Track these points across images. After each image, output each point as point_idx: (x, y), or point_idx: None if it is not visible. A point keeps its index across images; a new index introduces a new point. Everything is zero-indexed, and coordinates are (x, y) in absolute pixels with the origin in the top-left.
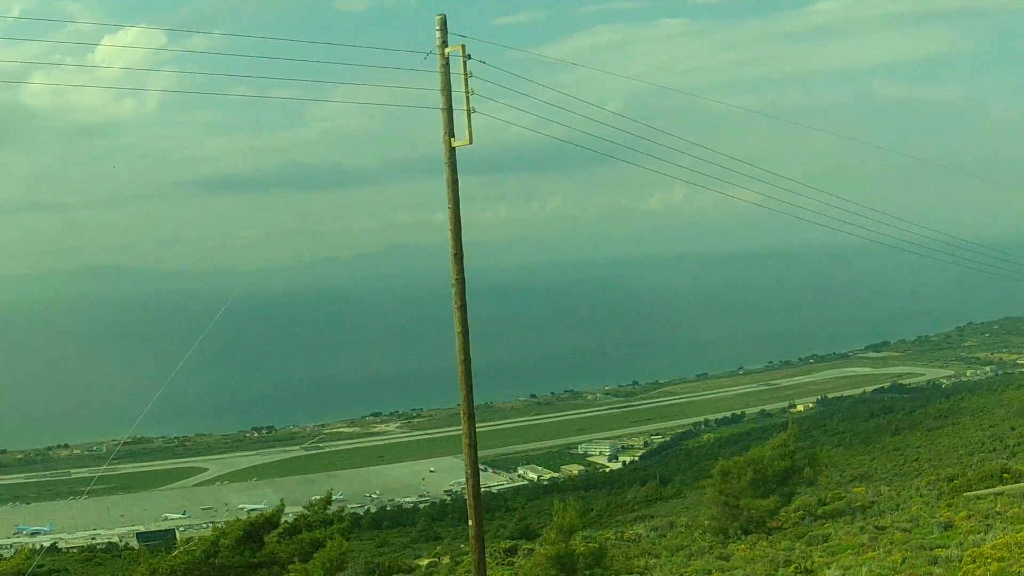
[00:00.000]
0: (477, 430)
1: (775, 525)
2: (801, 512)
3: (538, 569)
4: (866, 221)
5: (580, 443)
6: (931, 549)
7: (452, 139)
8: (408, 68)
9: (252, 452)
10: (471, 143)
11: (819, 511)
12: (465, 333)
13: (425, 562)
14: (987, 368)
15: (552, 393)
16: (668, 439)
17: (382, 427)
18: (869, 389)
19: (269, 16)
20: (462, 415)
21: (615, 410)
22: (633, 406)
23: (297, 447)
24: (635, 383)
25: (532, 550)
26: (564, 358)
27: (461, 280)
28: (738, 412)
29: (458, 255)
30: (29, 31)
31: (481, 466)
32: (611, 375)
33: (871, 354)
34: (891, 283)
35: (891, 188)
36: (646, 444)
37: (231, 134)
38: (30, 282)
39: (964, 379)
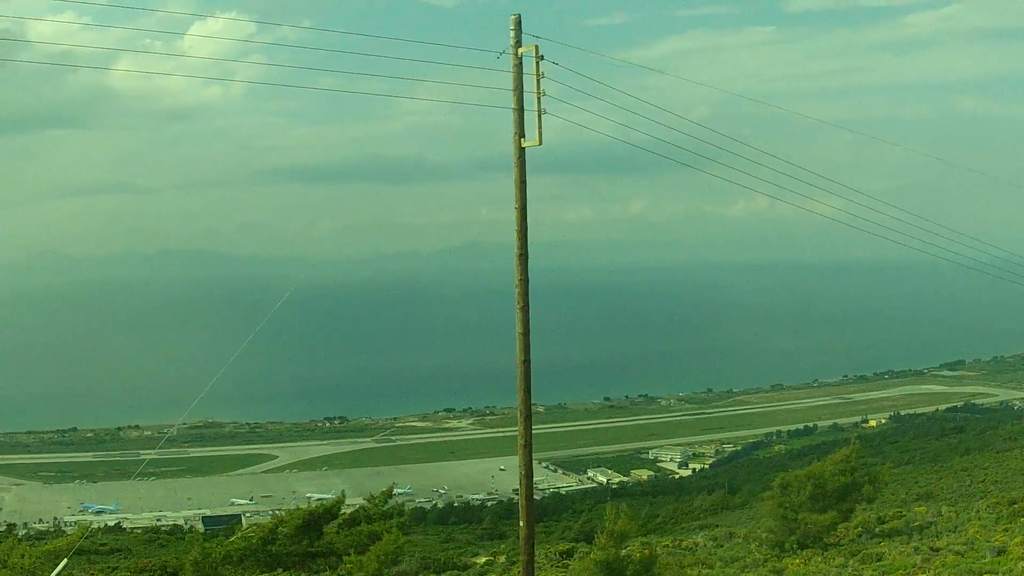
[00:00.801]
0: (549, 430)
1: (832, 541)
2: (859, 529)
3: (586, 574)
4: (939, 239)
5: (651, 448)
6: (980, 574)
7: (522, 139)
8: (488, 67)
9: (323, 442)
10: (540, 144)
11: (877, 529)
12: (526, 333)
13: (482, 560)
14: None
15: (626, 396)
16: (739, 448)
17: (455, 423)
18: (942, 407)
19: (358, 9)
20: (519, 415)
21: (687, 416)
22: (706, 413)
23: (368, 439)
24: (709, 390)
25: (588, 554)
26: (640, 362)
27: (525, 281)
28: (811, 424)
29: (523, 255)
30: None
31: (551, 467)
32: (685, 381)
33: (945, 372)
34: (968, 301)
35: (969, 205)
36: (717, 452)
37: (315, 124)
38: (113, 263)
39: None
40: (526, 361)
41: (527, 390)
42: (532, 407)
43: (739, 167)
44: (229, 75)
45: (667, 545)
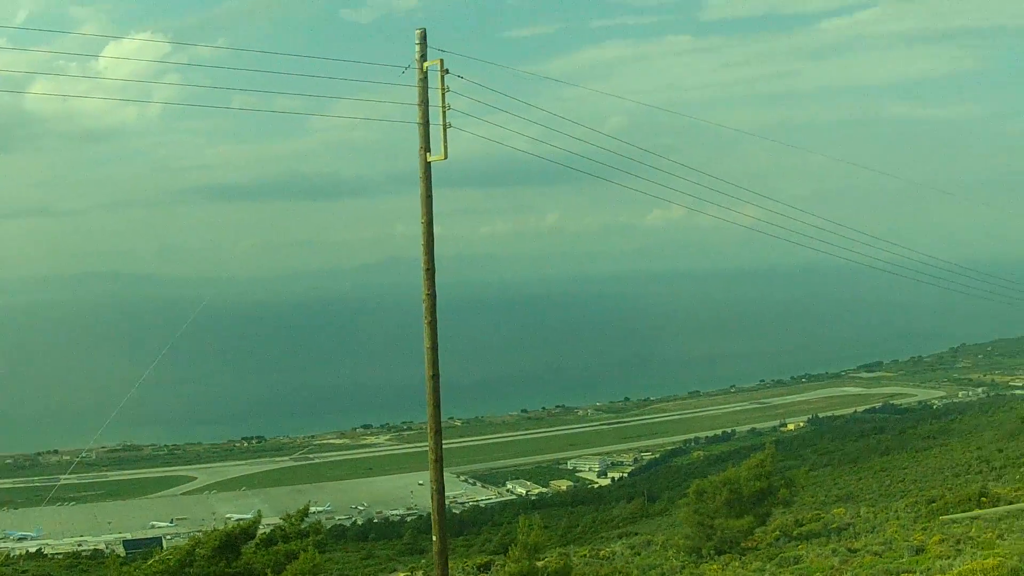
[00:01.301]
0: (468, 444)
1: (749, 545)
2: (777, 532)
3: None
4: (856, 243)
5: (569, 459)
6: (898, 574)
7: (428, 153)
8: (401, 83)
9: (242, 462)
10: (446, 158)
11: (795, 532)
12: (434, 348)
13: (403, 575)
14: (979, 389)
15: (543, 408)
16: (658, 456)
17: (372, 439)
18: (860, 409)
19: (274, 26)
20: (429, 431)
21: (605, 426)
22: (624, 422)
23: (286, 458)
24: (626, 399)
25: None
26: (557, 373)
27: (432, 295)
28: (729, 430)
29: (429, 270)
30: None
31: (470, 480)
32: (603, 391)
33: (863, 374)
34: (886, 304)
35: (889, 208)
36: (636, 461)
37: (233, 143)
38: (31, 286)
39: (956, 400)
40: (435, 376)
41: (437, 405)
42: (450, 421)
43: (655, 178)
44: (145, 95)
45: (584, 555)
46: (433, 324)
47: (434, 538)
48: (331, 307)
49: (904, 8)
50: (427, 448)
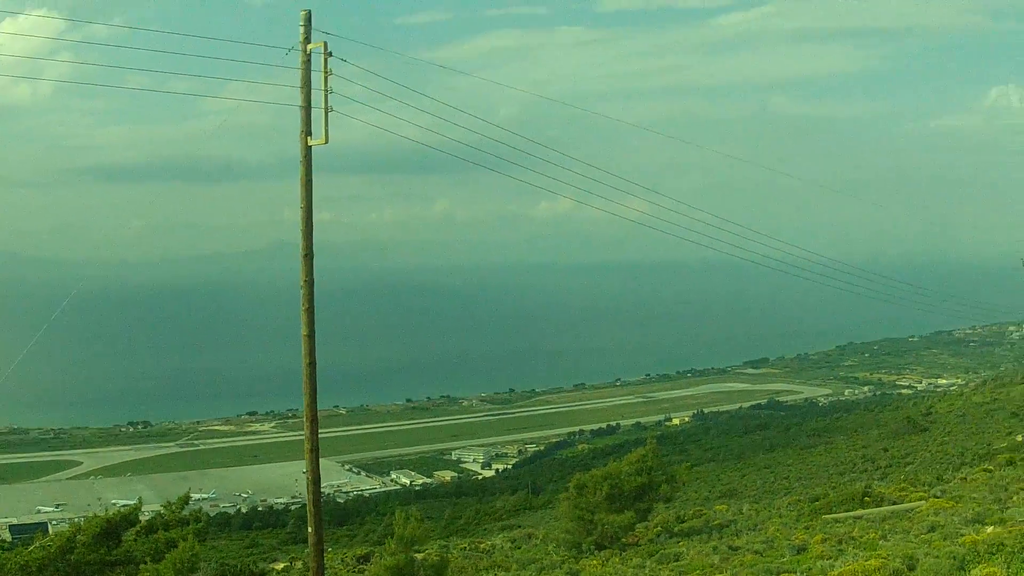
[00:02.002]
0: (352, 432)
1: (630, 541)
2: (659, 528)
3: None
4: (742, 239)
5: (454, 449)
6: (778, 573)
7: (309, 137)
8: (290, 66)
9: (127, 447)
10: (327, 142)
11: (676, 528)
12: (311, 336)
13: (280, 566)
14: (865, 388)
15: (428, 398)
16: (542, 448)
17: (257, 426)
18: (746, 405)
19: (169, 7)
20: (305, 420)
21: (490, 417)
22: (508, 414)
23: (172, 444)
24: (511, 390)
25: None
26: (443, 363)
27: (310, 282)
28: (614, 423)
29: (308, 256)
30: None
31: (355, 469)
32: (488, 382)
33: (749, 370)
34: (774, 301)
35: (782, 206)
36: (520, 452)
37: (126, 124)
38: None
39: (842, 398)
40: (312, 364)
41: (313, 394)
42: (335, 409)
43: (542, 169)
44: (38, 73)
45: (464, 547)
46: (311, 311)
47: (309, 529)
48: (218, 291)
49: (800, 6)
50: None
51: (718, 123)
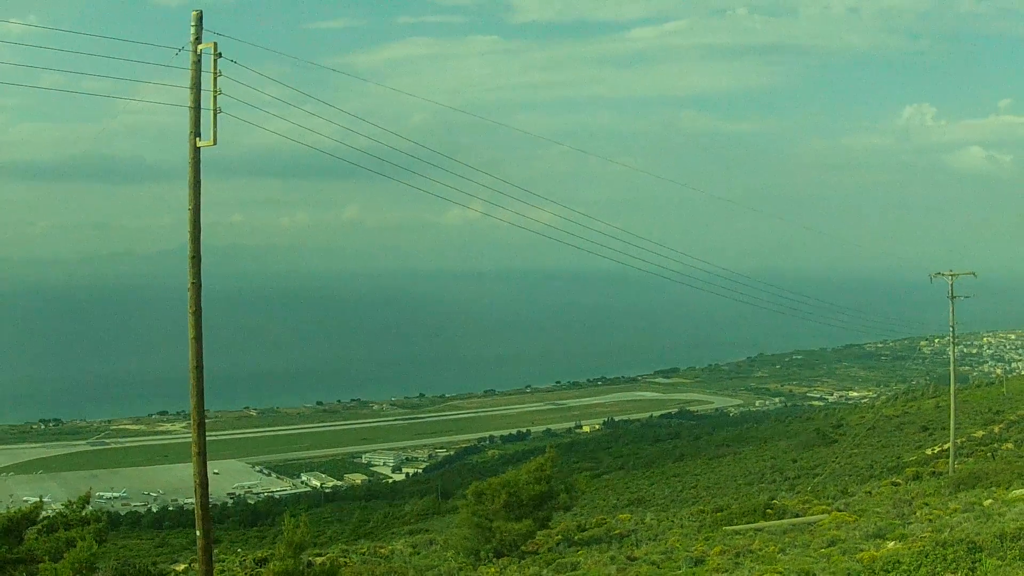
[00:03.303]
0: (262, 434)
1: (530, 549)
2: (559, 537)
3: None
4: (646, 252)
5: (364, 452)
6: None
7: (197, 139)
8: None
9: (38, 444)
10: (215, 144)
11: (577, 537)
12: (199, 339)
13: (181, 567)
14: (776, 399)
15: (338, 401)
16: (452, 453)
17: (168, 426)
18: (656, 414)
19: (88, 5)
20: (192, 424)
21: (400, 421)
22: (419, 418)
23: (83, 442)
24: (422, 395)
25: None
26: (353, 367)
27: (197, 284)
28: (524, 430)
29: (196, 258)
30: None
31: (265, 470)
32: (399, 386)
33: (660, 379)
34: (685, 313)
35: (688, 219)
36: (430, 457)
37: (37, 121)
38: None
39: (752, 409)
40: (199, 367)
41: (200, 397)
42: (246, 411)
43: (450, 177)
44: None
45: (364, 552)
46: (198, 314)
47: (198, 533)
48: (129, 291)
49: (713, 22)
50: (221, 437)
51: (627, 136)
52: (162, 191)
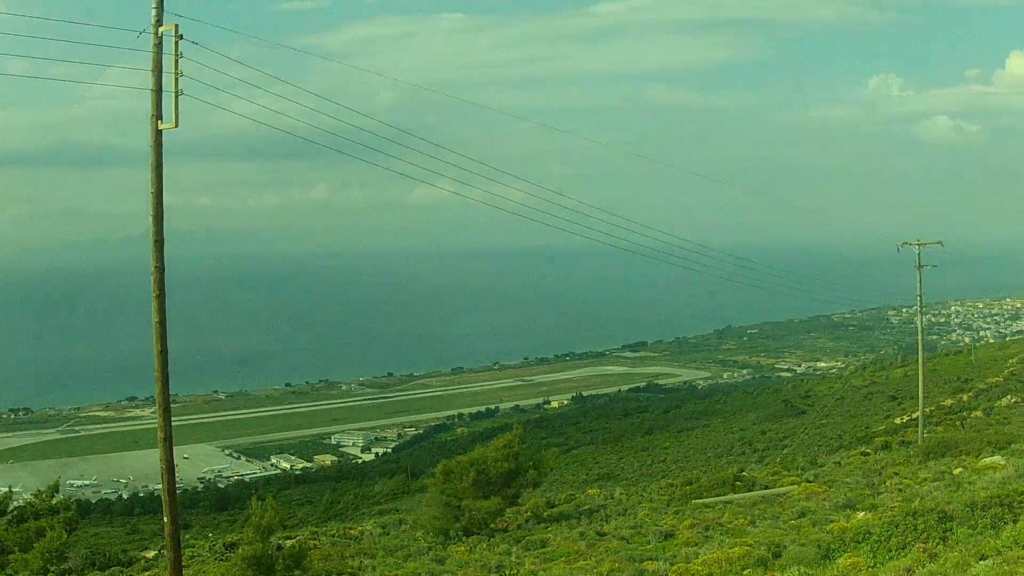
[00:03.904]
0: (231, 417)
1: (499, 527)
2: (528, 514)
3: (235, 570)
4: (615, 227)
5: (334, 433)
6: (641, 561)
7: (159, 121)
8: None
9: (8, 434)
10: (177, 126)
11: (546, 513)
12: (163, 323)
13: (151, 554)
14: (744, 371)
15: (307, 382)
16: (421, 431)
17: (138, 412)
18: (624, 388)
19: None
20: (158, 408)
21: (369, 401)
22: (388, 397)
23: (53, 430)
24: (390, 374)
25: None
26: (322, 347)
27: (161, 268)
28: (493, 407)
29: (158, 242)
30: None
31: (235, 454)
32: (367, 366)
33: (628, 354)
34: (653, 286)
35: (658, 193)
36: (399, 436)
37: (5, 108)
38: None
39: (721, 381)
40: (163, 352)
41: (165, 382)
42: (214, 394)
43: (419, 156)
44: None
45: (334, 534)
46: (161, 298)
47: (165, 520)
48: (96, 278)
49: None
50: (191, 421)
51: (595, 111)
52: (130, 176)
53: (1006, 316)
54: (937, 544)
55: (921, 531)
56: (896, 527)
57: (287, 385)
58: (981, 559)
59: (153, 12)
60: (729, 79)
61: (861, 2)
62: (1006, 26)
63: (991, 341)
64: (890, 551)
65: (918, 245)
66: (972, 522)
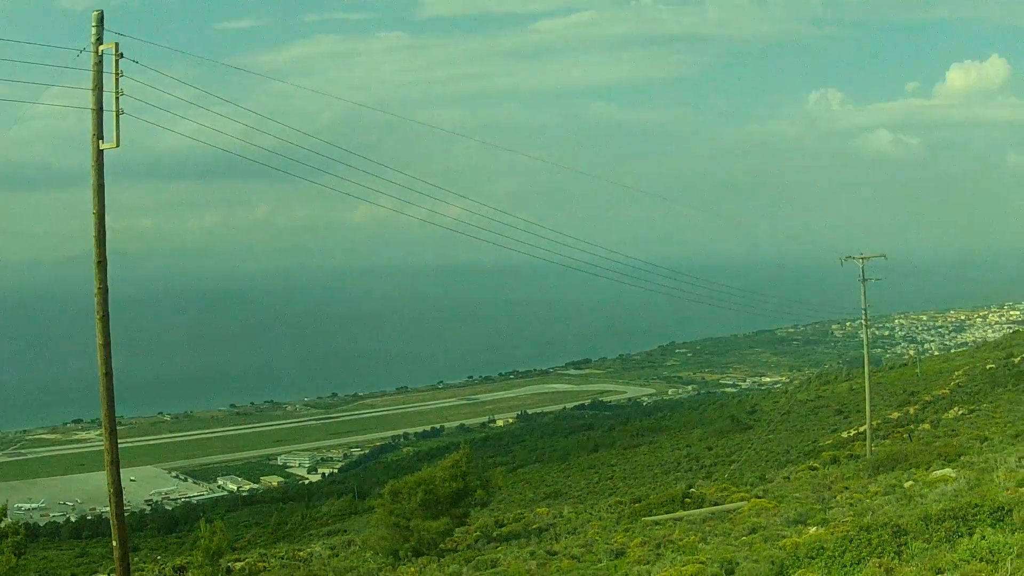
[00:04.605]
0: (177, 439)
1: (449, 547)
2: (478, 533)
3: None
4: (554, 244)
5: (280, 454)
6: None
7: (100, 141)
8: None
9: None
10: (118, 146)
11: (495, 533)
12: (107, 345)
13: None
14: (689, 387)
15: (252, 403)
16: (367, 452)
17: (84, 434)
18: (570, 406)
19: None
20: (104, 431)
21: (314, 421)
22: (333, 418)
23: None
24: (335, 395)
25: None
26: (266, 368)
27: (104, 290)
28: (438, 426)
29: (101, 263)
30: None
31: (181, 476)
32: (312, 386)
33: (572, 371)
34: (595, 303)
35: (597, 209)
36: (345, 456)
37: None
38: None
39: (666, 397)
40: (108, 374)
41: (111, 404)
42: (159, 416)
43: (359, 174)
44: None
45: (282, 557)
46: (106, 320)
47: (114, 543)
48: (37, 300)
49: (618, 13)
50: (137, 444)
51: (535, 128)
52: (70, 197)
53: (950, 328)
54: (892, 559)
55: (876, 546)
56: (850, 542)
57: (232, 406)
58: (938, 573)
59: (93, 30)
60: (669, 95)
61: (799, 18)
62: (946, 40)
63: (936, 353)
64: (845, 566)
65: (861, 259)
66: (927, 536)
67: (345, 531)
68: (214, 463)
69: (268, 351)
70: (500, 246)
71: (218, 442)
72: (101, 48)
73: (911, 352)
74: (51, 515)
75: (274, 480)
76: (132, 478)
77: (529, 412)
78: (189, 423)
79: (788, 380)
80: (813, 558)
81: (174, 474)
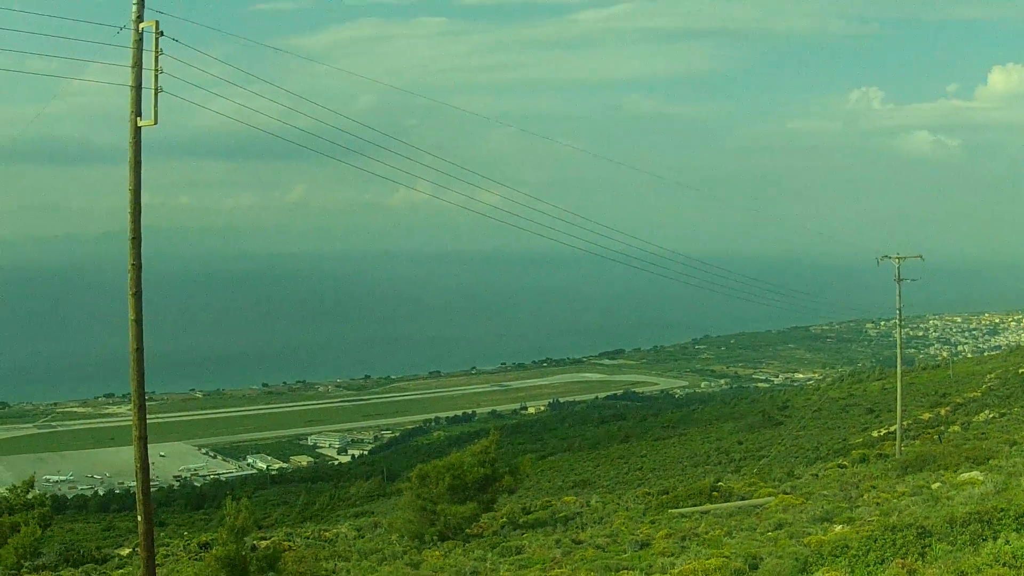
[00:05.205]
0: (208, 416)
1: (475, 532)
2: (504, 520)
3: (208, 570)
4: (591, 234)
5: (310, 434)
6: (617, 570)
7: (139, 118)
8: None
9: None
10: (156, 123)
11: (522, 520)
12: (139, 321)
13: (126, 551)
14: (722, 381)
15: (284, 383)
16: (398, 435)
17: (114, 408)
18: (602, 395)
19: None
20: (133, 407)
21: (346, 403)
22: (364, 400)
23: (30, 425)
24: (367, 377)
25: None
26: (299, 348)
27: (138, 266)
28: (469, 411)
29: (136, 239)
30: None
31: (211, 453)
32: (344, 368)
33: (605, 361)
34: (630, 294)
35: (634, 201)
36: (376, 438)
37: None
38: None
39: (698, 390)
40: (139, 350)
41: (141, 380)
42: (191, 393)
43: (396, 159)
44: None
45: (309, 536)
46: (138, 296)
47: (139, 519)
48: (74, 273)
49: (658, 6)
50: (168, 419)
51: (572, 118)
52: (108, 173)
53: (984, 331)
54: (916, 560)
55: (900, 546)
56: (874, 542)
57: (264, 385)
58: None
59: (134, 8)
60: (707, 89)
61: (842, 15)
62: (988, 42)
63: (969, 356)
64: (868, 566)
65: (898, 259)
66: (951, 538)
67: (372, 513)
68: (244, 441)
69: (301, 332)
70: (536, 233)
71: (249, 420)
72: (142, 26)
73: (944, 353)
74: (79, 488)
75: (304, 460)
76: (162, 453)
77: (561, 400)
78: (221, 400)
79: (821, 377)
80: (837, 556)
81: (204, 451)
